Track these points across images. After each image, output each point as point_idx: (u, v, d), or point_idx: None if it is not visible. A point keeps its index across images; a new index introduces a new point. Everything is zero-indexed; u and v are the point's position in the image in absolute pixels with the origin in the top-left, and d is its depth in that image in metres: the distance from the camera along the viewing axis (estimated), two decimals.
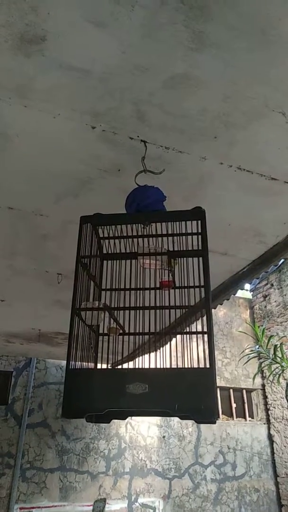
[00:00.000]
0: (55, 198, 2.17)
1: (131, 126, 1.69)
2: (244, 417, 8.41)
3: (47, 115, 1.64)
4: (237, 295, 4.84)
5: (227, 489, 7.50)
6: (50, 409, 6.66)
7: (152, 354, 1.58)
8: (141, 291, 1.54)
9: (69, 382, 1.29)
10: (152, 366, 1.42)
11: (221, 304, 3.57)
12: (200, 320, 1.49)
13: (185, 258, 1.57)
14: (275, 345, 5.44)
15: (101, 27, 1.31)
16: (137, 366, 1.93)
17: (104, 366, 1.88)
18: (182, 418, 1.26)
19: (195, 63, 1.42)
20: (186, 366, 1.39)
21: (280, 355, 5.32)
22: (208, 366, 1.24)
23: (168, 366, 1.50)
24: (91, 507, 6.30)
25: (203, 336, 1.34)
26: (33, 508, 5.99)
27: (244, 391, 8.62)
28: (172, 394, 1.21)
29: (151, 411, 1.44)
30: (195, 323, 1.70)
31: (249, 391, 8.68)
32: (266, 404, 8.57)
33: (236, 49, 1.37)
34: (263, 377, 8.61)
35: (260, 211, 2.26)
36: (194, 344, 1.46)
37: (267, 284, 9.22)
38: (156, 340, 1.69)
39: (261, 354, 5.88)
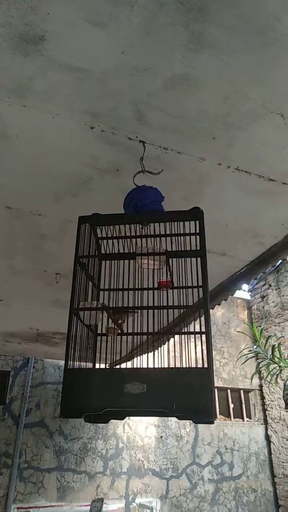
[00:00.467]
0: (53, 198, 2.17)
1: (130, 126, 1.69)
2: (242, 418, 8.42)
3: (46, 115, 1.64)
4: (235, 295, 4.84)
5: (225, 489, 7.51)
6: (48, 409, 6.66)
7: (150, 354, 1.57)
8: (140, 291, 1.54)
9: (67, 382, 1.29)
10: (150, 366, 1.42)
11: (219, 305, 3.57)
12: (198, 320, 1.50)
13: (183, 259, 1.57)
14: (273, 346, 5.46)
15: (100, 27, 1.31)
16: (135, 366, 1.93)
17: (102, 365, 1.88)
18: (180, 418, 1.27)
19: (194, 64, 1.42)
20: (184, 366, 1.39)
21: (278, 356, 5.33)
22: (206, 366, 1.24)
23: (166, 366, 1.50)
24: (88, 507, 6.30)
25: (201, 336, 1.34)
26: (30, 508, 5.98)
27: (242, 392, 8.64)
28: (170, 394, 1.21)
29: (149, 411, 1.44)
30: (193, 323, 1.70)
31: (246, 391, 8.70)
32: (263, 404, 8.59)
33: (235, 50, 1.38)
34: (260, 378, 8.63)
35: (259, 212, 2.26)
36: (192, 344, 1.47)
37: (265, 284, 9.24)
38: (154, 340, 1.69)
39: (259, 355, 5.89)
